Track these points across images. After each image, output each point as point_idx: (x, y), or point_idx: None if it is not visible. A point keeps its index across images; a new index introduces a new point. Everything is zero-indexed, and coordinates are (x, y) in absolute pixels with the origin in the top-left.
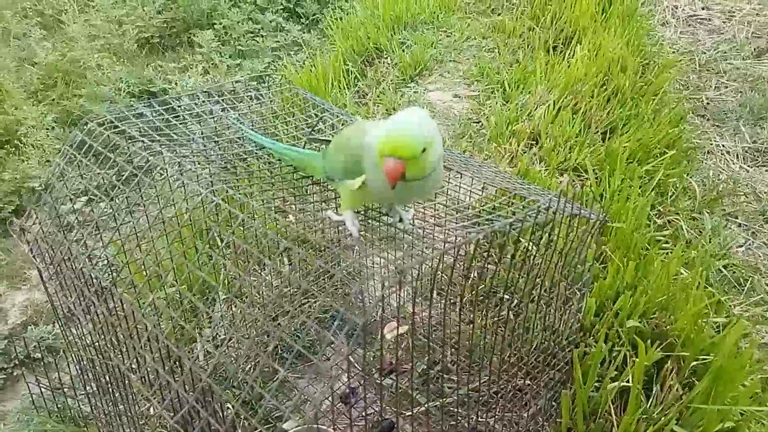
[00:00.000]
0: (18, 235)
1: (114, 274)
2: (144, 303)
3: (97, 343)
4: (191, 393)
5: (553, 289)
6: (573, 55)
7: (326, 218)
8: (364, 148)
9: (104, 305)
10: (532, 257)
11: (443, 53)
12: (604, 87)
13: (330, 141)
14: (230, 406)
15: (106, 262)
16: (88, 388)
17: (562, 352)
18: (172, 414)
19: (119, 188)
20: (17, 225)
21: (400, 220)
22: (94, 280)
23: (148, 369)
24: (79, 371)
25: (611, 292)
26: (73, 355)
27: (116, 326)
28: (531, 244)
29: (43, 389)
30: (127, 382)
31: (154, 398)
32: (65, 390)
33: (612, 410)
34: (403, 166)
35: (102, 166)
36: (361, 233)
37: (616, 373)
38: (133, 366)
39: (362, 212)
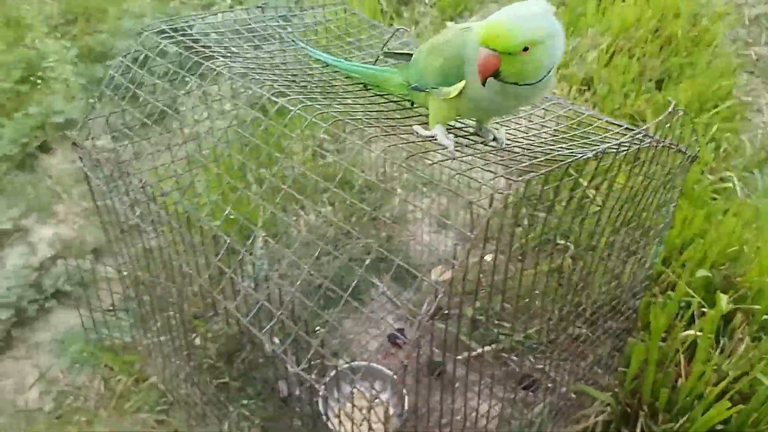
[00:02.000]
0: (73, 148)
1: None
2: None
3: (139, 273)
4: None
5: (626, 236)
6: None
7: (414, 133)
8: (468, 47)
9: (163, 215)
10: (602, 200)
11: None
12: (658, 33)
13: (410, 55)
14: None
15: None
16: (129, 316)
17: (626, 301)
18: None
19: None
20: (72, 140)
21: (494, 139)
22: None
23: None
24: (122, 300)
25: (678, 241)
26: (119, 281)
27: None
28: (603, 185)
29: (84, 317)
30: (175, 310)
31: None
32: (103, 319)
33: (682, 361)
34: (497, 59)
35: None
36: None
37: (683, 323)
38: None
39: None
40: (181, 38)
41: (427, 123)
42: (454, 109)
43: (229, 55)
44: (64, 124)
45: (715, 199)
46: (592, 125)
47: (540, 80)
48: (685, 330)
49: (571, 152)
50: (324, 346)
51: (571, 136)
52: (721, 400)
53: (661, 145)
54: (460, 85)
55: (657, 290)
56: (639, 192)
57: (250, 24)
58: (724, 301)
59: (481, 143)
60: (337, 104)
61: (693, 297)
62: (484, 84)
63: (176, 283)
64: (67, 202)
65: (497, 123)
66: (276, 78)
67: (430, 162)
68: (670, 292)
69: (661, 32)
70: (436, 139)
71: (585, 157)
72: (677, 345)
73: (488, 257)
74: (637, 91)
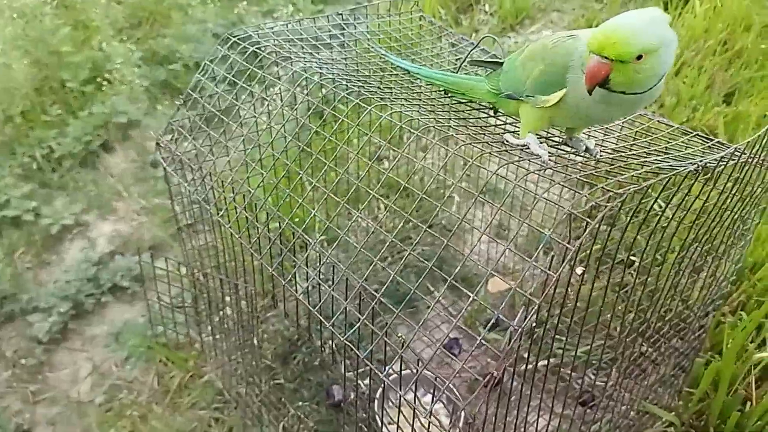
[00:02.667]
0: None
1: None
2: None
3: (214, 260)
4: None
5: (696, 253)
6: (691, 9)
7: (505, 141)
8: (573, 55)
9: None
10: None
11: (547, 1)
12: (726, 46)
13: (497, 63)
14: (331, 344)
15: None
16: (187, 314)
17: (696, 320)
18: (293, 321)
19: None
20: (158, 140)
21: (586, 149)
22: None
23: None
24: (179, 297)
25: (750, 259)
26: (170, 282)
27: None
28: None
29: (156, 305)
30: (234, 309)
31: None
32: (160, 315)
33: (753, 384)
34: (609, 67)
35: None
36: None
37: (754, 345)
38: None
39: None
40: (256, 46)
41: (515, 132)
42: (548, 118)
43: (308, 59)
44: (127, 124)
45: None
46: (679, 138)
47: (648, 90)
48: (757, 352)
49: (670, 165)
50: (382, 352)
51: (662, 148)
52: None
53: (757, 161)
54: (560, 93)
55: (726, 309)
56: (716, 208)
57: (322, 32)
58: None
59: (573, 153)
60: (423, 109)
61: (765, 319)
62: (590, 93)
63: (237, 281)
64: (127, 200)
65: (584, 133)
66: (361, 83)
67: (525, 171)
68: (741, 312)
69: (730, 45)
70: (528, 149)
71: (687, 170)
72: (748, 367)
73: (579, 270)
74: (705, 104)
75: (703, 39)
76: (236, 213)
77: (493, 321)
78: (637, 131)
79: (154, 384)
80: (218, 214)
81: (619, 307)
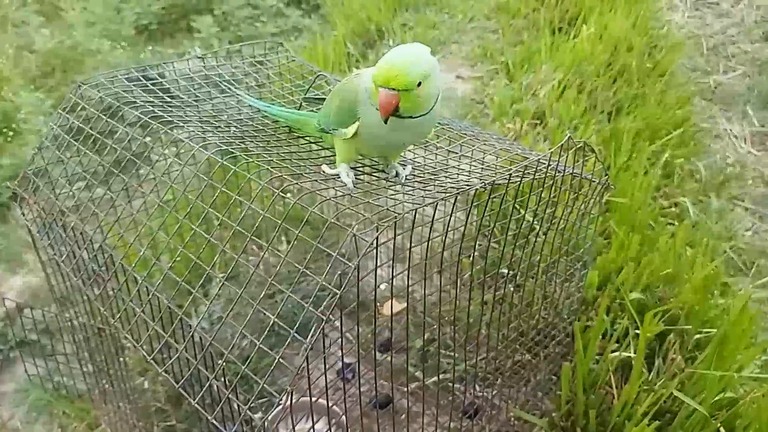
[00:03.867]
0: (19, 203)
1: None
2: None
3: (91, 322)
4: (193, 358)
5: (554, 264)
6: (578, 35)
7: (322, 171)
8: (359, 91)
9: (105, 274)
10: (531, 230)
11: (446, 35)
12: (611, 67)
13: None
14: (224, 380)
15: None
16: (83, 366)
17: (563, 325)
18: (172, 380)
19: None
20: (18, 193)
21: (396, 174)
22: (95, 248)
23: (150, 335)
24: (75, 350)
25: (614, 265)
26: (69, 335)
27: (115, 296)
28: (531, 214)
29: (39, 368)
30: (122, 358)
31: (154, 363)
32: (61, 368)
33: (613, 382)
34: (397, 97)
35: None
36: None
37: (617, 345)
38: (132, 337)
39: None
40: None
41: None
42: (354, 148)
43: (174, 109)
44: (37, 173)
45: (670, 224)
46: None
47: (430, 111)
48: (617, 352)
49: (466, 183)
50: (272, 384)
51: (481, 167)
52: (646, 418)
53: (558, 173)
54: (354, 126)
55: (593, 314)
56: (560, 218)
57: (198, 78)
58: (651, 321)
59: (384, 179)
60: (273, 153)
61: (621, 320)
62: (386, 122)
63: (125, 330)
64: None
65: (406, 160)
66: (222, 132)
67: (323, 198)
68: (604, 315)
69: (613, 65)
70: (339, 177)
71: (472, 189)
72: (608, 366)
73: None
74: (586, 123)
75: (588, 62)
76: (113, 270)
77: (383, 343)
78: (474, 159)
79: None
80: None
81: (497, 320)
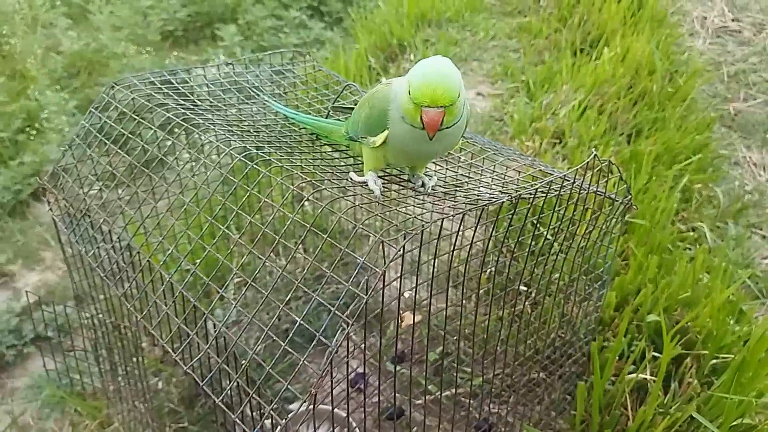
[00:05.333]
0: (47, 198)
1: (137, 250)
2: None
3: (111, 319)
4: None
5: (572, 283)
6: (600, 57)
7: (350, 179)
8: (390, 100)
9: (130, 267)
10: (551, 247)
11: (467, 52)
12: (631, 89)
13: (353, 108)
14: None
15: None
16: (98, 366)
17: (579, 345)
18: (197, 377)
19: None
20: (47, 188)
21: (422, 185)
22: (120, 242)
23: (171, 334)
24: (92, 347)
25: (632, 287)
26: (88, 330)
27: (142, 292)
28: (553, 231)
29: (58, 363)
30: (139, 357)
31: (177, 358)
32: (76, 365)
33: (628, 403)
34: (443, 114)
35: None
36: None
37: (633, 367)
38: (153, 333)
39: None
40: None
41: (359, 171)
42: (383, 157)
43: (203, 112)
44: (66, 171)
45: (688, 249)
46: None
47: (461, 118)
48: (630, 374)
49: (492, 196)
50: (284, 391)
51: (503, 182)
52: None
53: (583, 191)
54: (383, 135)
55: (609, 335)
56: (582, 236)
57: (227, 83)
58: (669, 345)
59: (410, 189)
60: (300, 160)
61: (638, 342)
62: (431, 138)
63: (139, 333)
64: (55, 249)
65: (433, 171)
66: (248, 136)
67: (351, 204)
68: (622, 337)
69: (634, 88)
70: (367, 185)
71: (499, 201)
72: (624, 387)
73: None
74: (606, 144)
75: (609, 84)
76: (140, 265)
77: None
78: (497, 174)
79: None
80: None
81: (513, 336)
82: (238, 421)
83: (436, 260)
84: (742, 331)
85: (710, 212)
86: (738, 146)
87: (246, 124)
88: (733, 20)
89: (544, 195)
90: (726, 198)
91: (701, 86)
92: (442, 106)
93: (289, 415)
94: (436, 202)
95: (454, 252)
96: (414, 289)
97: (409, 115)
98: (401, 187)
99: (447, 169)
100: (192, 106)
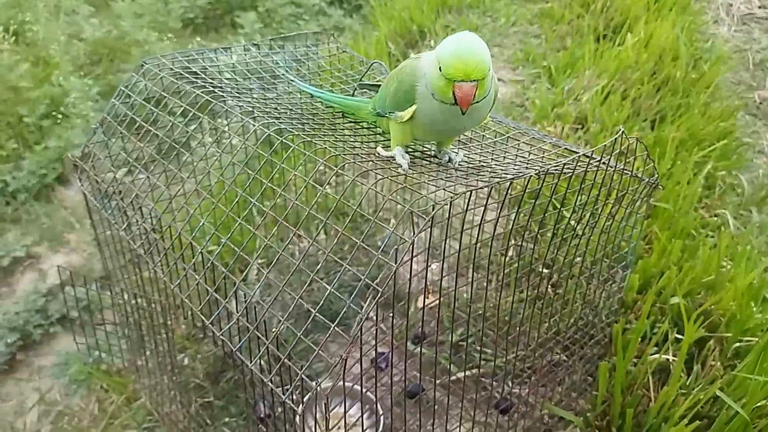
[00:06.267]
0: (79, 175)
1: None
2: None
3: (141, 294)
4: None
5: (595, 264)
6: (623, 43)
7: (377, 153)
8: (419, 75)
9: (164, 242)
10: (575, 229)
11: (488, 37)
12: (655, 76)
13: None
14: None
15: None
16: (126, 342)
17: (601, 327)
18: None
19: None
20: (72, 161)
21: (449, 160)
22: (152, 217)
23: (201, 301)
24: (123, 321)
25: (656, 270)
26: (118, 307)
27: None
28: (578, 211)
29: (89, 338)
30: (168, 332)
31: (207, 325)
32: (103, 341)
33: (651, 384)
34: (475, 88)
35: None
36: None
37: (655, 349)
38: (186, 304)
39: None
40: (180, 72)
41: (386, 146)
42: (410, 132)
43: (230, 91)
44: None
45: (710, 236)
46: (552, 152)
47: (488, 93)
48: (652, 354)
49: (517, 171)
50: (307, 368)
51: (528, 160)
52: (684, 421)
53: (609, 168)
54: (411, 109)
55: (632, 317)
56: (606, 216)
57: (253, 63)
58: (692, 328)
59: (437, 163)
60: (328, 136)
61: (660, 324)
62: (464, 113)
63: (169, 308)
64: (79, 232)
65: (458, 148)
66: (277, 114)
67: (380, 177)
68: (645, 319)
69: (658, 74)
70: (395, 159)
71: (527, 175)
72: (646, 369)
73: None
74: (629, 129)
75: (632, 69)
76: (171, 240)
77: (418, 335)
78: (519, 151)
79: (95, 410)
80: (147, 244)
81: (535, 318)
82: (271, 384)
83: (462, 237)
84: (765, 317)
85: (734, 199)
86: (763, 134)
87: (272, 103)
88: (759, 7)
89: (571, 171)
90: (750, 186)
91: (726, 73)
92: (474, 80)
93: (320, 380)
94: (462, 176)
95: (481, 226)
96: (440, 264)
97: (440, 90)
98: (428, 162)
99: (470, 148)
100: (219, 85)
